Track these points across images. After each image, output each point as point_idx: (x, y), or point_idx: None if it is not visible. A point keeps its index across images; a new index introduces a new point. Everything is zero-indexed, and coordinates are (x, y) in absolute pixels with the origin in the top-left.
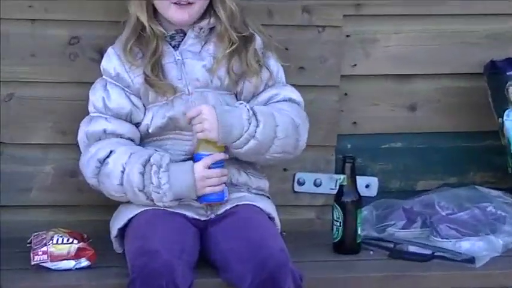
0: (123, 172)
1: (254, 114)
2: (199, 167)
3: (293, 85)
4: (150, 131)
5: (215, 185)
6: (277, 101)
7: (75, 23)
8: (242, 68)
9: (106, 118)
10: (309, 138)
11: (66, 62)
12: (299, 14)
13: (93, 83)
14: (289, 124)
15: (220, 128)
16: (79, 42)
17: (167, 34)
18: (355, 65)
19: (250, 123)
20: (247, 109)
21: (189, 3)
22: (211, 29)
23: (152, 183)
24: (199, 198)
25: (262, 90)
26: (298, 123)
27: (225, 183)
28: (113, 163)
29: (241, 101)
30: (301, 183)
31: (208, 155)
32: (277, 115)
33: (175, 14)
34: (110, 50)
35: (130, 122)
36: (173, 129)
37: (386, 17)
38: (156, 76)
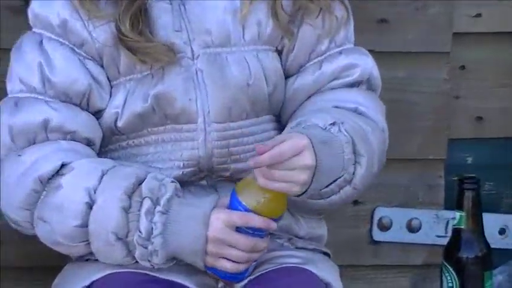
0: (89, 205)
1: (353, 143)
2: (220, 222)
3: (369, 51)
4: (119, 124)
5: (237, 262)
6: (351, 84)
7: None
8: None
9: (47, 101)
10: (399, 147)
11: None
12: None
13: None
14: (381, 144)
15: (316, 175)
16: None
17: None
18: (479, 15)
19: (350, 163)
20: (348, 137)
21: None
22: None
23: (140, 231)
24: (207, 267)
25: (325, 52)
26: (385, 134)
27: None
28: (70, 187)
29: (334, 120)
30: (385, 227)
31: (249, 210)
32: (370, 134)
33: None
34: None
35: (87, 109)
36: (162, 121)
37: None
38: (138, 32)
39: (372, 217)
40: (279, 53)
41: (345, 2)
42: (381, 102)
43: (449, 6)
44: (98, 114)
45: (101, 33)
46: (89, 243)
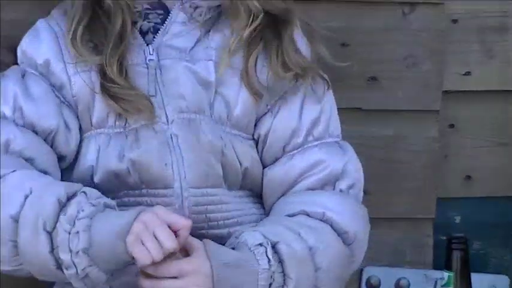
0: (26, 197)
1: (280, 261)
2: (150, 214)
3: (357, 109)
4: (96, 180)
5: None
6: (324, 182)
7: None
8: (275, 70)
9: (15, 123)
10: (388, 206)
11: None
12: None
13: None
14: (339, 260)
15: None
16: None
17: (137, 10)
18: (469, 73)
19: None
20: (272, 262)
21: None
22: (217, 8)
23: (65, 214)
24: None
25: (301, 146)
26: (355, 243)
27: None
28: (15, 180)
29: (262, 241)
30: (374, 286)
31: None
32: (320, 253)
33: None
34: (41, 23)
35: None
36: (137, 185)
37: None
38: (124, 79)
39: (360, 277)
40: (256, 142)
41: (324, 76)
42: (355, 204)
43: (439, 64)
44: (60, 161)
45: (80, 80)
46: (14, 241)
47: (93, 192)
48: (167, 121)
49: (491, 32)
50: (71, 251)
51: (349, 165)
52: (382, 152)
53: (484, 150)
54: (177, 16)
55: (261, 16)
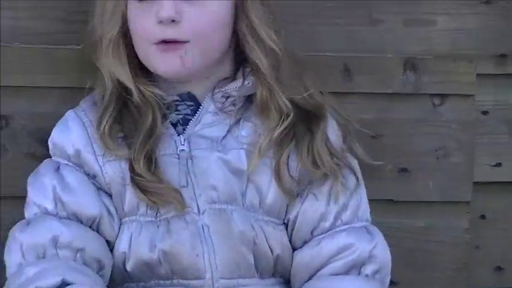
0: None
1: None
2: None
3: (389, 200)
4: (128, 268)
5: None
6: (350, 267)
7: (1, 91)
8: (305, 166)
9: (58, 219)
10: None
11: None
12: (398, 73)
13: None
14: None
15: None
16: (8, 125)
17: (165, 101)
18: (499, 164)
19: None
20: None
21: (179, 43)
22: (249, 97)
23: None
24: None
25: (329, 230)
26: None
27: None
28: None
29: None
30: None
31: None
32: None
33: (160, 62)
34: (69, 114)
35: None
36: (168, 275)
37: None
38: (151, 173)
39: None
40: (286, 224)
41: (355, 170)
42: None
43: (470, 156)
44: (109, 244)
45: (110, 169)
46: None
47: None
48: (198, 212)
49: None
50: None
51: (377, 249)
52: (412, 243)
53: None
54: (209, 106)
55: (291, 115)
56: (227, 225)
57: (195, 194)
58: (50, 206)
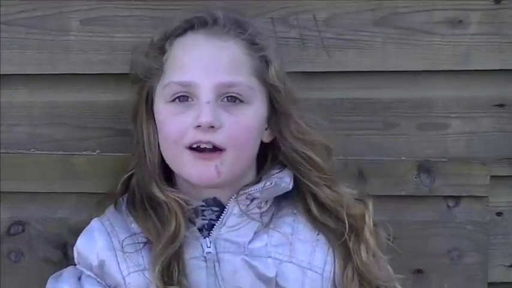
0: None
1: None
2: None
3: None
4: None
5: None
6: None
7: (18, 197)
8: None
9: None
10: None
11: (2, 266)
12: (412, 176)
13: None
14: None
15: None
16: (24, 230)
17: (191, 206)
18: None
19: None
20: None
21: (215, 152)
22: (277, 200)
23: None
24: None
25: None
26: None
27: None
28: None
29: None
30: None
31: None
32: None
33: (194, 169)
34: (95, 223)
35: None
36: None
37: None
38: (177, 282)
39: None
40: None
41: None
42: None
43: (484, 257)
44: None
45: (134, 280)
46: None
47: None
48: None
49: None
50: None
51: None
52: None
53: None
54: (234, 209)
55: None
56: None
57: None
58: None
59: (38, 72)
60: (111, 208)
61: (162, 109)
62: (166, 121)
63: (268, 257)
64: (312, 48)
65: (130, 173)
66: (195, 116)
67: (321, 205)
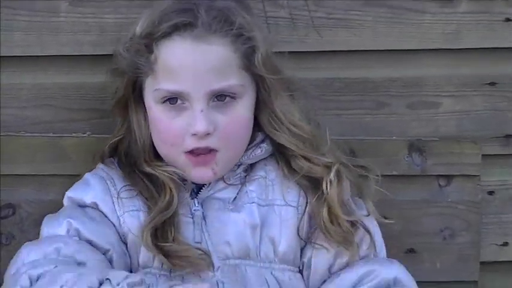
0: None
1: None
2: None
3: None
4: None
5: None
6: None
7: (8, 179)
8: (317, 222)
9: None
10: None
11: None
12: (403, 155)
13: None
14: None
15: None
16: (15, 213)
17: (178, 175)
18: (506, 243)
19: None
20: None
21: (209, 153)
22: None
23: None
24: None
25: (347, 264)
26: None
27: None
28: (54, 274)
29: None
30: None
31: None
32: None
33: (192, 172)
34: (89, 175)
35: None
36: None
37: None
38: (172, 239)
39: None
40: (300, 269)
41: (371, 233)
42: None
43: (477, 236)
44: None
45: (129, 219)
46: None
47: (116, 275)
48: (213, 268)
49: None
50: None
51: (401, 275)
52: None
53: None
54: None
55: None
56: (242, 282)
57: (209, 251)
58: (63, 232)
59: (26, 54)
60: (106, 163)
61: (155, 109)
62: (161, 123)
63: (252, 203)
64: (302, 28)
65: (117, 138)
66: (189, 121)
67: (291, 169)
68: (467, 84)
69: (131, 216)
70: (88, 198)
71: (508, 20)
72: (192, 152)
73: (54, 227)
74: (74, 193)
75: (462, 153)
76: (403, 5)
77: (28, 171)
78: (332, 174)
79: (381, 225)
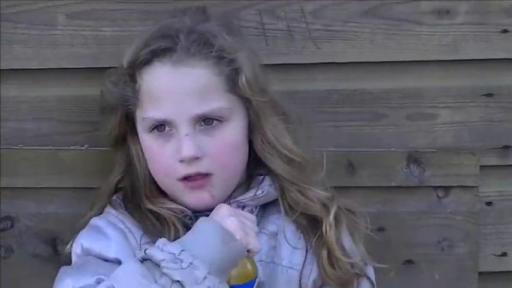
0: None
1: None
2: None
3: None
4: None
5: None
6: None
7: (7, 192)
8: (317, 264)
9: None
10: None
11: None
12: (401, 167)
13: None
14: None
15: None
16: (13, 226)
17: (182, 212)
18: (505, 253)
19: None
20: None
21: (204, 177)
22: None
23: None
24: None
25: None
26: None
27: None
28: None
29: None
30: None
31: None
32: None
33: (190, 198)
34: (99, 221)
35: None
36: None
37: None
38: None
39: None
40: None
41: (372, 279)
42: None
43: (475, 247)
44: None
45: None
46: None
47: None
48: None
49: None
50: (196, 283)
51: None
52: None
53: None
54: None
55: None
56: None
57: None
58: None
59: (25, 67)
60: (114, 205)
61: (145, 138)
62: (152, 154)
63: (260, 261)
64: (300, 40)
65: (120, 176)
66: (176, 147)
67: (289, 206)
68: (464, 96)
69: None
70: (111, 253)
71: (505, 31)
72: (185, 179)
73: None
74: (90, 244)
75: (460, 164)
76: (400, 17)
77: (27, 184)
78: (331, 217)
79: (378, 239)
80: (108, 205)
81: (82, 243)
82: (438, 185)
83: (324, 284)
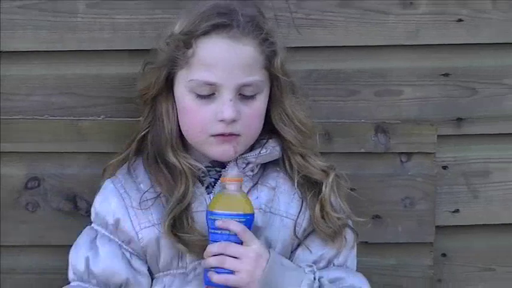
0: None
1: (320, 286)
2: None
3: (364, 243)
4: None
5: None
6: None
7: (34, 156)
8: (315, 220)
9: (89, 281)
10: None
11: (21, 215)
12: (370, 136)
13: (60, 246)
14: None
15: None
16: (40, 185)
17: (199, 169)
18: (457, 210)
19: None
20: (314, 278)
21: (234, 135)
22: (267, 164)
23: None
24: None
25: (323, 267)
26: None
27: None
28: None
29: (311, 265)
30: None
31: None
32: None
33: (216, 150)
34: (108, 186)
35: None
36: None
37: (503, 138)
38: (182, 229)
39: None
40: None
41: (355, 230)
42: None
43: (432, 204)
44: None
45: (146, 234)
46: None
47: None
48: None
49: (476, 176)
50: None
51: (364, 286)
52: (386, 278)
53: (472, 274)
54: (232, 171)
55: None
56: None
57: None
58: (84, 275)
59: (50, 49)
60: (122, 170)
61: (187, 97)
62: (191, 112)
63: (259, 208)
64: (285, 27)
65: (143, 133)
66: (217, 109)
67: (290, 166)
68: (425, 75)
69: (148, 231)
70: (111, 218)
71: (460, 20)
72: (218, 135)
73: (76, 266)
74: (100, 208)
75: (420, 133)
76: (370, 7)
77: (52, 149)
78: (331, 180)
79: (351, 197)
80: (124, 166)
81: (95, 206)
82: (402, 151)
83: (314, 232)
